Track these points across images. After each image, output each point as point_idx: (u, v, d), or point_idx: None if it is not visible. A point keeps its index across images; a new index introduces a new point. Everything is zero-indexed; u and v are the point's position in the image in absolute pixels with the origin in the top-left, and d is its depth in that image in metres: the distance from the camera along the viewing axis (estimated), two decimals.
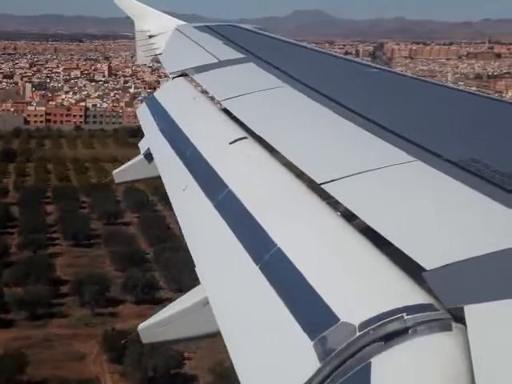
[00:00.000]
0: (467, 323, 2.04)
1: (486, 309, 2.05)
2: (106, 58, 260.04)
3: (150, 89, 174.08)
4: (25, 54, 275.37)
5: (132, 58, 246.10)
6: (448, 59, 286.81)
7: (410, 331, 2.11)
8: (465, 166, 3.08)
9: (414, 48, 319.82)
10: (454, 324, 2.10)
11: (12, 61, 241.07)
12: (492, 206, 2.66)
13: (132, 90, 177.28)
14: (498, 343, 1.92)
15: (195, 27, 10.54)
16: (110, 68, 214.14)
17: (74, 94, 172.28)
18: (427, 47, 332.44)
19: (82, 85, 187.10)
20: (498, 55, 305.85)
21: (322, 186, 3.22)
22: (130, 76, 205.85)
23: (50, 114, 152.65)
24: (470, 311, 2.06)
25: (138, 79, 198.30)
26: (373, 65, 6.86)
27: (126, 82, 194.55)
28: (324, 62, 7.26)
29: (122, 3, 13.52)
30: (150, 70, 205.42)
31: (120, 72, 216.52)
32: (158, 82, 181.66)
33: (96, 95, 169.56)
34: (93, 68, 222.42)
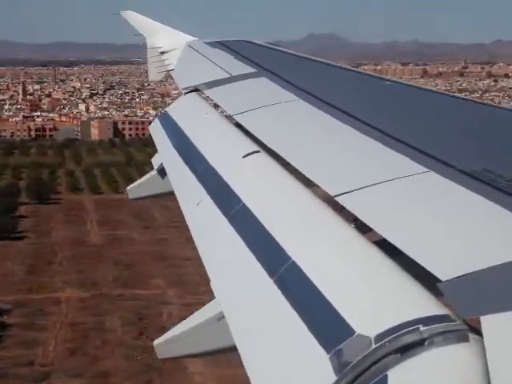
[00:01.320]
0: (484, 334, 2.02)
1: (503, 319, 2.03)
2: (62, 81, 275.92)
3: (32, 105, 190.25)
4: None
5: (85, 79, 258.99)
6: (403, 78, 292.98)
7: (426, 343, 2.09)
8: (478, 176, 3.07)
9: (379, 68, 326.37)
10: (470, 335, 2.08)
11: None
12: (507, 215, 2.64)
13: (6, 107, 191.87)
14: None
15: (206, 43, 10.58)
16: (24, 89, 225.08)
17: None
18: (392, 67, 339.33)
19: None
20: (461, 74, 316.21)
21: (336, 198, 3.22)
22: (46, 96, 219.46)
23: None
24: (487, 322, 2.04)
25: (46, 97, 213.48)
26: (385, 77, 6.86)
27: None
28: (336, 75, 7.26)
29: (132, 20, 13.62)
30: (63, 90, 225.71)
31: (37, 92, 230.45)
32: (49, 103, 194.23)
33: None
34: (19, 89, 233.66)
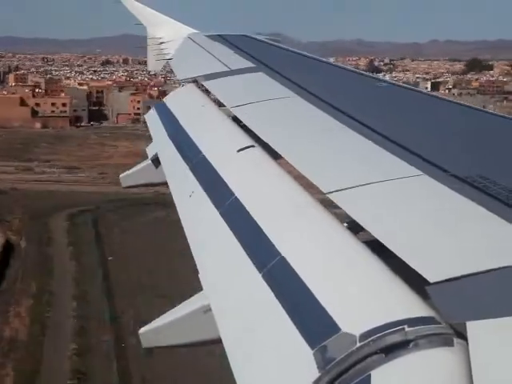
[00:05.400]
0: (469, 339, 2.02)
1: (488, 325, 2.03)
2: None
3: None
4: None
5: None
6: None
7: (410, 344, 2.09)
8: (472, 181, 3.08)
9: None
10: (455, 339, 2.08)
11: None
12: (498, 222, 2.65)
13: None
14: (499, 361, 1.91)
15: (207, 36, 10.57)
16: None
17: None
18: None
19: None
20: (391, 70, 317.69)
21: (328, 195, 3.22)
22: None
23: None
24: (472, 327, 2.04)
25: None
26: (382, 79, 6.86)
27: None
28: (334, 73, 7.26)
29: (135, 10, 13.58)
30: None
31: None
32: None
33: None
34: None
